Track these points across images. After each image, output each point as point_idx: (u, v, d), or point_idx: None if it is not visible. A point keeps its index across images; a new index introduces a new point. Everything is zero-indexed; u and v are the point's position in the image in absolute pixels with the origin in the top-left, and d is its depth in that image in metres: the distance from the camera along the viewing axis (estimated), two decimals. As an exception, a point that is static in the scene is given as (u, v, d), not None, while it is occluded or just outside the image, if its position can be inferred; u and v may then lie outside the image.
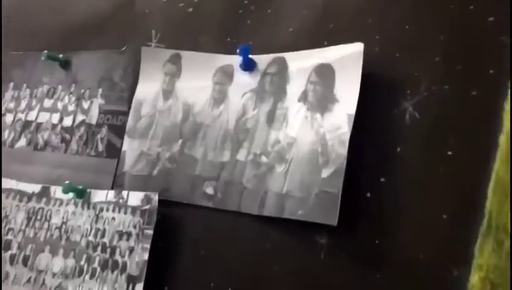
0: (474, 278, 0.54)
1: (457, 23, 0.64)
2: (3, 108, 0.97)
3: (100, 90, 0.90)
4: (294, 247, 0.65)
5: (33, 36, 1.01)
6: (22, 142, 0.94)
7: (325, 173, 0.63)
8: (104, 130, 0.87)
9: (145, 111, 0.83)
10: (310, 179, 0.64)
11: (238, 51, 0.74)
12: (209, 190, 0.73)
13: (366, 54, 0.65)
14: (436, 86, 0.62)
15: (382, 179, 0.62)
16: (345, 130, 0.63)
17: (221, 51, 0.79)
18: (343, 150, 0.63)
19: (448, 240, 0.57)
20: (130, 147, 0.83)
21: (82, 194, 0.83)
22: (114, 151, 0.85)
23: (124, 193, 0.79)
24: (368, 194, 0.62)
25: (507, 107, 0.57)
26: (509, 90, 0.58)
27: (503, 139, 0.56)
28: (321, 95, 0.68)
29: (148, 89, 0.84)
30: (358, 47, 0.65)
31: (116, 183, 0.82)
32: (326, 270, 0.62)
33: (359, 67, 0.64)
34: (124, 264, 0.74)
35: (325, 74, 0.68)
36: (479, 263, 0.54)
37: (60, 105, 0.94)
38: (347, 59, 0.66)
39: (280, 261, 0.66)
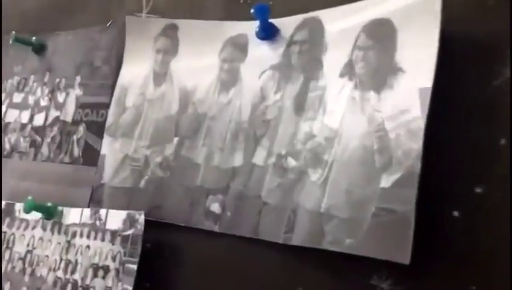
0: None
1: None
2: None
3: (78, 79, 0.81)
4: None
5: (4, 18, 0.95)
6: (-14, 148, 0.87)
7: (387, 182, 0.51)
8: (82, 128, 0.77)
9: (131, 101, 0.73)
10: (362, 190, 0.53)
11: (252, 11, 0.62)
12: (215, 207, 0.64)
13: (446, 1, 0.52)
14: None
15: (478, 190, 0.51)
16: (417, 113, 0.51)
17: (231, 18, 0.69)
18: (416, 145, 0.50)
19: None
20: (110, 150, 0.73)
21: (51, 214, 0.73)
22: (93, 157, 0.75)
23: (102, 212, 0.69)
24: (456, 213, 0.51)
25: None
26: None
27: None
28: (376, 64, 0.56)
29: (135, 71, 0.74)
30: (433, -9, 0.52)
31: (93, 199, 0.73)
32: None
33: (436, 21, 0.52)
34: (99, 313, 0.64)
35: (381, 33, 0.56)
36: None
37: (31, 99, 0.86)
38: (415, 10, 0.54)
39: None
